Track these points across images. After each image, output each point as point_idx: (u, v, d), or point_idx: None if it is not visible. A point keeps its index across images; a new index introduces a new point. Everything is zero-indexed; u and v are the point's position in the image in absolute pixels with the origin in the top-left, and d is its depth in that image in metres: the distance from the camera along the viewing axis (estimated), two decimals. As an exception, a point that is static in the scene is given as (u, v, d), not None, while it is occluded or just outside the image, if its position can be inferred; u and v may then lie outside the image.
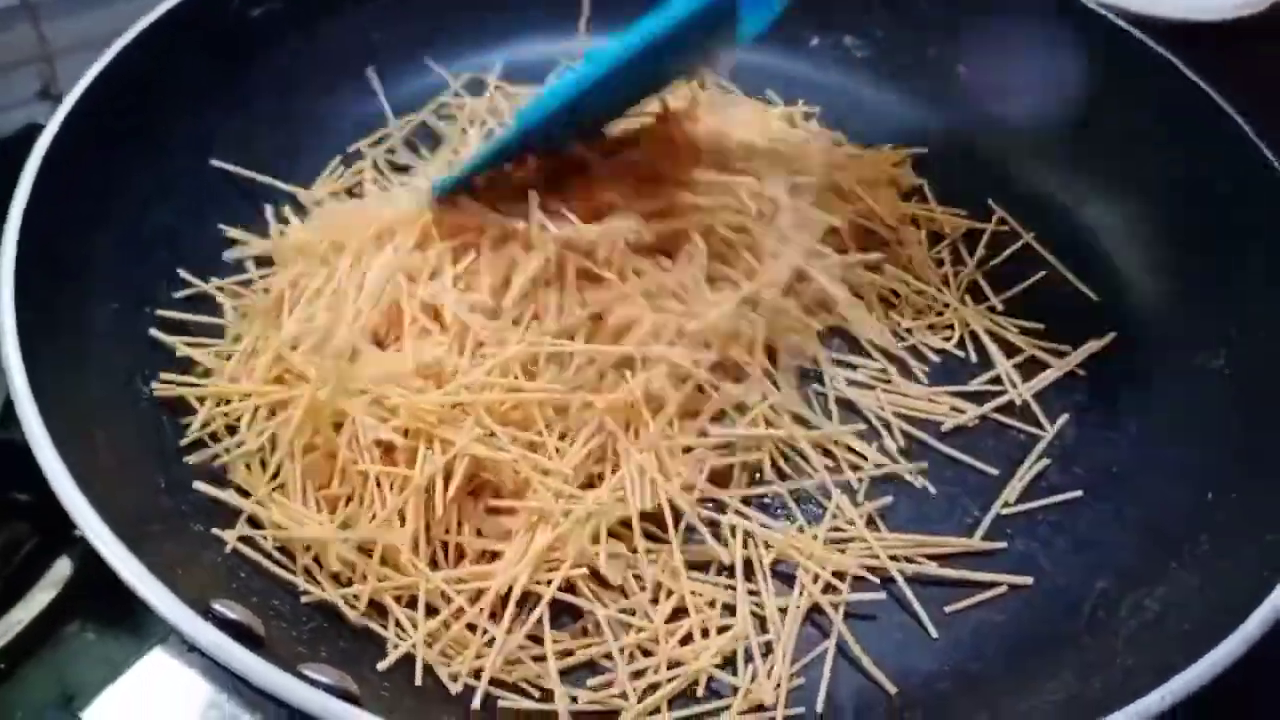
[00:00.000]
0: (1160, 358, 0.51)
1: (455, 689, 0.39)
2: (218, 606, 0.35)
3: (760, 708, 0.40)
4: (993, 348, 0.51)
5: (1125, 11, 0.60)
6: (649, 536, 0.43)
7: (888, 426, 0.48)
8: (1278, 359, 0.46)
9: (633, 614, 0.41)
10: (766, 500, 0.45)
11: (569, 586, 0.41)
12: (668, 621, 0.41)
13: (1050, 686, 0.39)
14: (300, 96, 0.56)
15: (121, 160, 0.48)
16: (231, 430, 0.44)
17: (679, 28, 0.44)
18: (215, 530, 0.41)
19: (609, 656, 0.40)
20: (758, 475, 0.46)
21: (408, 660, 0.39)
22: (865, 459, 0.47)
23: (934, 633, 0.42)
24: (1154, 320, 0.52)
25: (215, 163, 0.52)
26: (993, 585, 0.43)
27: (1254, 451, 0.44)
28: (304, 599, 0.40)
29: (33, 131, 0.46)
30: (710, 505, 0.44)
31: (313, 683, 0.33)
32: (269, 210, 0.53)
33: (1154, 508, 0.46)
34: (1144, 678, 0.35)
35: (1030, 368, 0.51)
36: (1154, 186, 0.55)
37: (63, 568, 0.43)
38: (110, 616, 0.42)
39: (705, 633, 0.41)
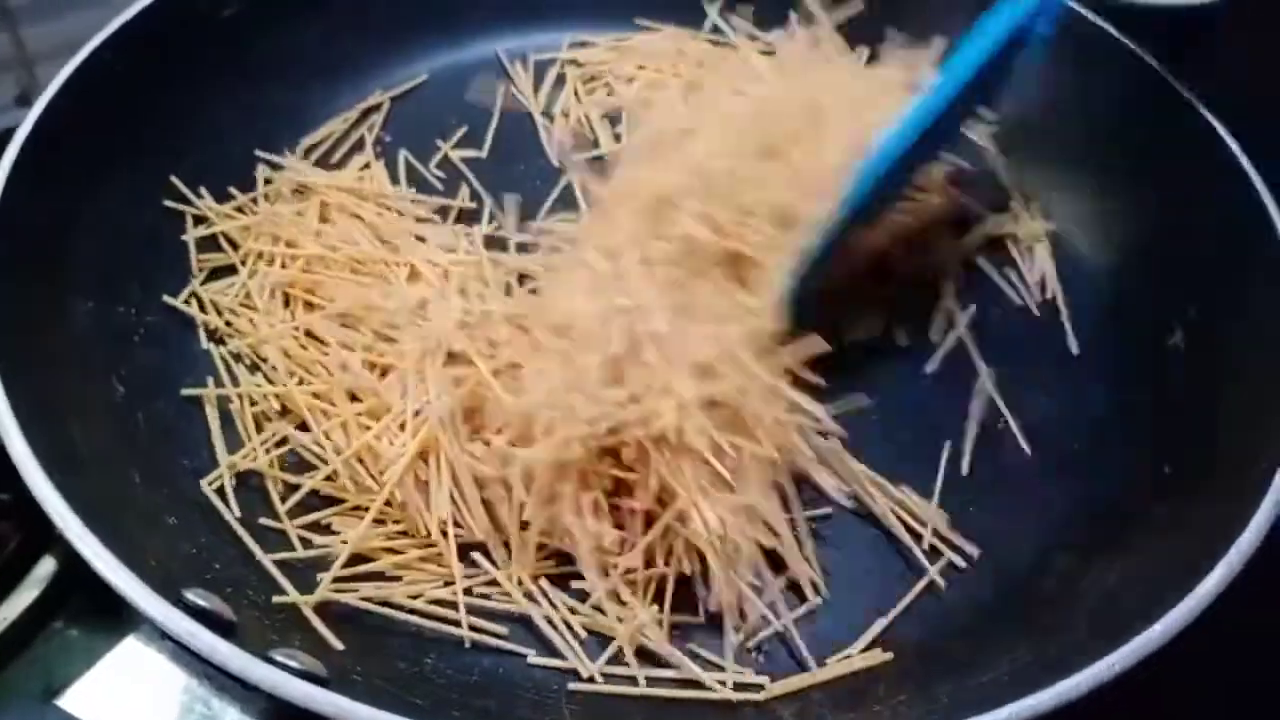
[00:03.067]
0: (1120, 336, 0.51)
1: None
2: (189, 595, 0.36)
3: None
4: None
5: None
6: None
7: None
8: (1234, 337, 0.47)
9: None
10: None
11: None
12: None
13: (1007, 660, 0.39)
14: (272, 93, 0.56)
15: (96, 158, 0.49)
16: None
17: (997, 51, 0.44)
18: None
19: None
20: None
21: (372, 650, 0.40)
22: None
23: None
24: (1113, 300, 0.53)
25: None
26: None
27: (1211, 425, 0.45)
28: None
29: (11, 137, 0.46)
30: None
31: (281, 666, 0.34)
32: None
33: (1114, 483, 0.46)
34: (1096, 647, 0.35)
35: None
36: (1112, 170, 0.55)
37: (46, 566, 0.43)
38: (94, 614, 0.43)
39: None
